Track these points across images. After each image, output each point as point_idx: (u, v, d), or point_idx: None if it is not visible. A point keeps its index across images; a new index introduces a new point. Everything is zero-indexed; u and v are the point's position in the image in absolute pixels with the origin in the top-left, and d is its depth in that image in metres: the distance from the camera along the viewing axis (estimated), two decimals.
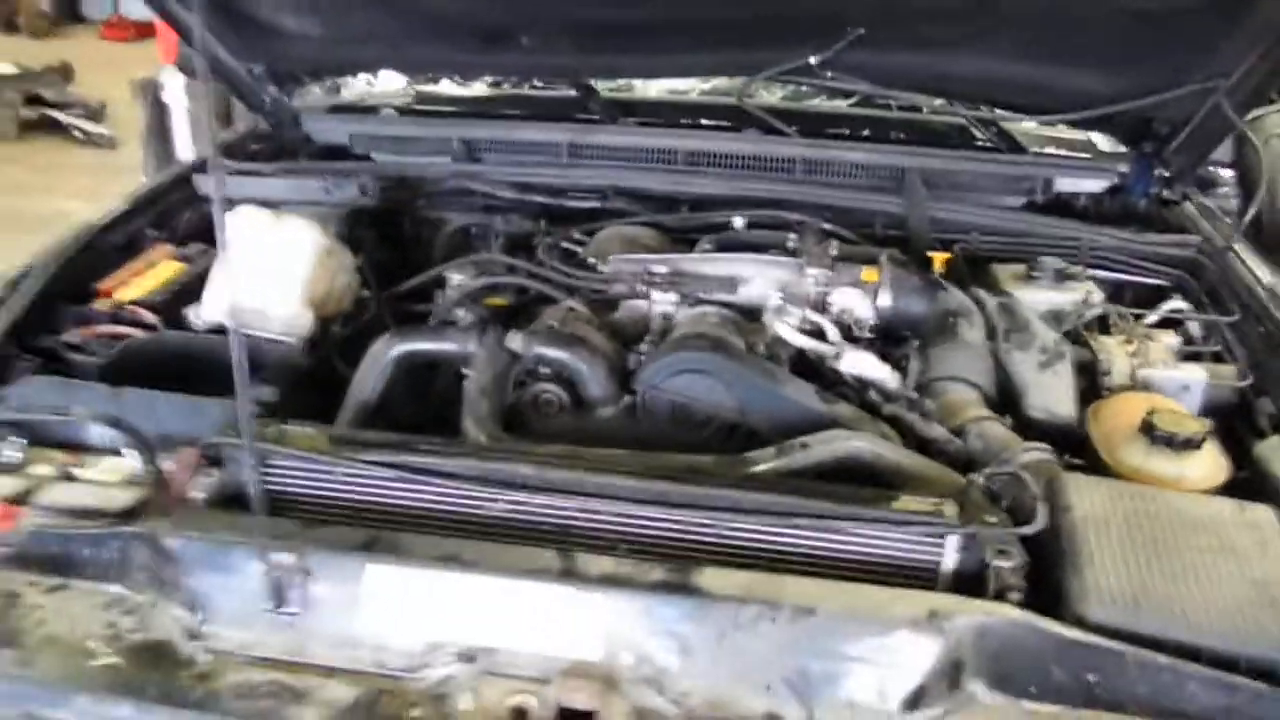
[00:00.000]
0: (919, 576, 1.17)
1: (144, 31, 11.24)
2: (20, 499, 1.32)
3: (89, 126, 7.56)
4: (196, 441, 1.35)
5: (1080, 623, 1.10)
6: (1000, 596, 1.13)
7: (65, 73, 8.41)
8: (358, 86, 2.49)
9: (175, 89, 5.66)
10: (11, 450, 1.42)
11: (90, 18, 12.17)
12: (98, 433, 1.46)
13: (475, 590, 1.14)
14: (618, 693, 1.07)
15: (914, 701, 1.07)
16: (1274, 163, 2.26)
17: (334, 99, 2.43)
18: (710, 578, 1.13)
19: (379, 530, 1.20)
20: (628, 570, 1.14)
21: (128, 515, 1.27)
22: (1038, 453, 1.34)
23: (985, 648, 1.08)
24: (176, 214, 2.05)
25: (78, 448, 1.46)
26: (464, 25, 2.03)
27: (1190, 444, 1.34)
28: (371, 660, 1.13)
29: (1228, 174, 2.35)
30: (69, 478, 1.38)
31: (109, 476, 1.39)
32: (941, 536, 1.17)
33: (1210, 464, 1.36)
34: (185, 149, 5.73)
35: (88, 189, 6.48)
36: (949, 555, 1.17)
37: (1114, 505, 1.23)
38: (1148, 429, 1.36)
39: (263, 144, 2.29)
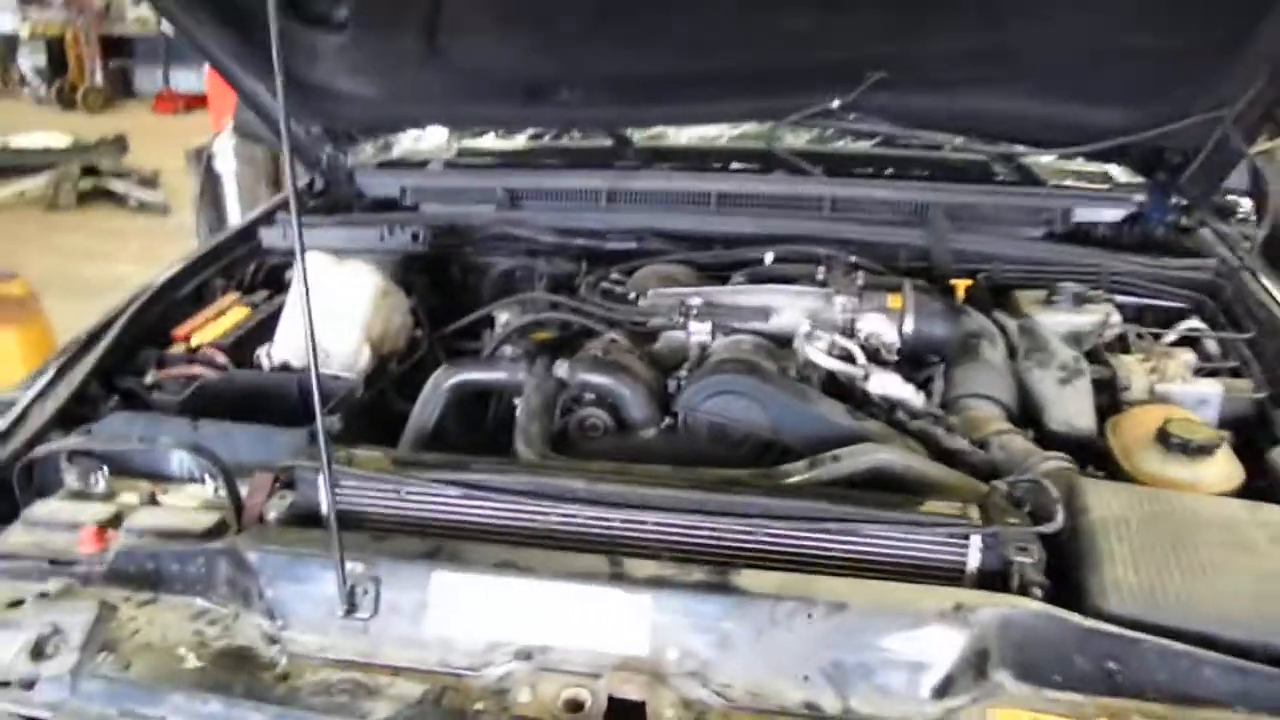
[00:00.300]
0: (946, 575, 1.25)
1: (193, 104, 11.70)
2: (110, 523, 1.43)
3: (143, 194, 7.88)
4: (269, 468, 1.46)
5: (1100, 615, 1.16)
6: (1023, 591, 1.20)
7: (120, 144, 8.75)
8: (406, 143, 2.64)
9: (226, 155, 5.91)
10: (99, 480, 1.55)
11: (142, 92, 12.67)
12: (177, 462, 1.59)
13: (531, 593, 1.23)
14: (665, 685, 1.15)
15: (943, 690, 1.14)
16: None
17: (384, 155, 2.58)
18: (747, 578, 1.21)
19: (442, 541, 1.29)
20: (671, 572, 1.22)
21: (210, 535, 1.38)
22: (1057, 461, 1.42)
23: (1009, 639, 1.15)
24: (241, 266, 2.19)
25: (159, 478, 1.58)
26: (507, 82, 2.17)
27: (1204, 450, 1.41)
28: (437, 660, 1.22)
29: (1246, 201, 2.41)
30: (153, 503, 1.50)
31: (190, 502, 1.51)
32: (966, 537, 1.24)
33: (1224, 469, 1.43)
34: (235, 212, 5.97)
35: (144, 253, 6.75)
36: (973, 554, 1.24)
37: (1130, 507, 1.30)
38: (1163, 437, 1.43)
39: (319, 199, 2.44)
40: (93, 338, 1.84)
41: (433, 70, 2.08)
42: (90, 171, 8.02)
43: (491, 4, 1.90)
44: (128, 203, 7.83)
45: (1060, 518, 1.25)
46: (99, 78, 11.94)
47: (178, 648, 1.25)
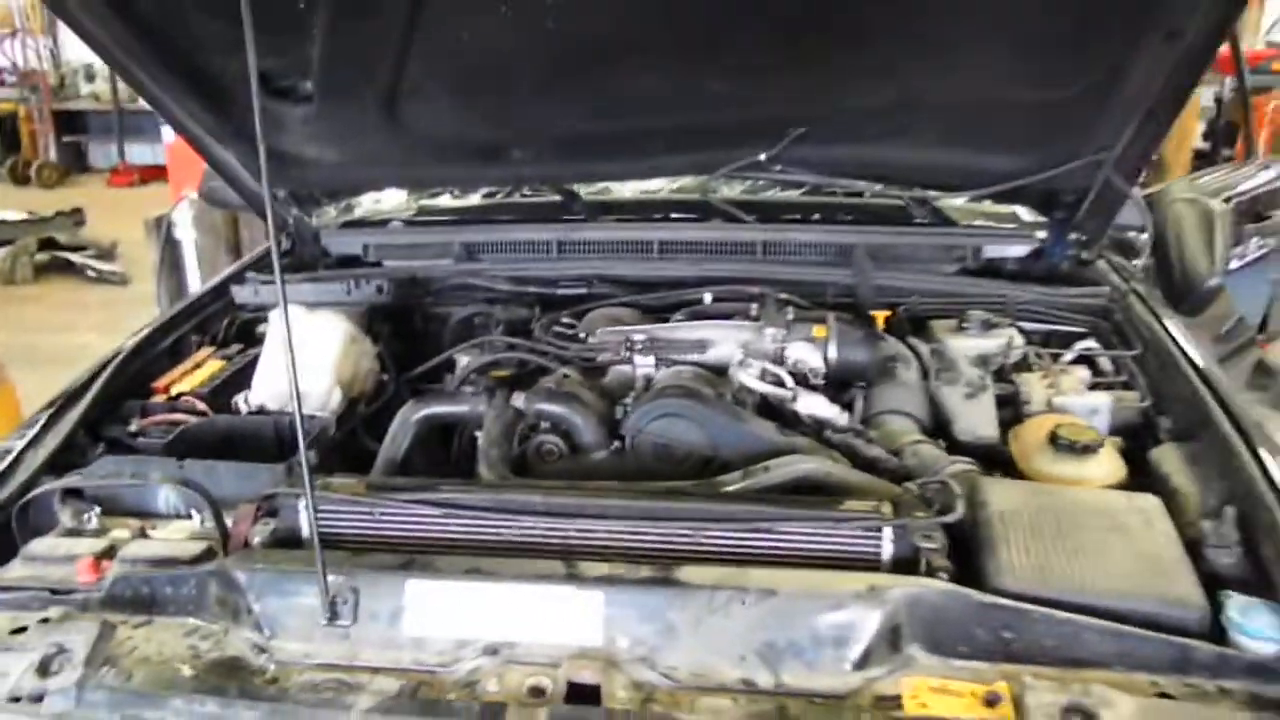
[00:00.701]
0: (864, 564, 1.40)
1: (147, 176, 11.81)
2: (104, 555, 1.55)
3: (101, 265, 7.93)
4: (253, 498, 1.60)
5: (997, 592, 1.32)
6: (930, 574, 1.36)
7: (77, 217, 8.83)
8: (367, 203, 2.80)
9: (186, 224, 6.03)
10: (91, 519, 1.67)
11: (97, 166, 12.75)
12: (164, 500, 1.71)
13: (495, 596, 1.36)
14: (617, 669, 1.28)
15: (862, 662, 1.28)
16: (1177, 223, 2.56)
17: (347, 216, 2.73)
18: (688, 573, 1.35)
19: (414, 554, 1.43)
20: (620, 571, 1.36)
21: (199, 560, 1.50)
22: (962, 465, 1.60)
23: (918, 615, 1.30)
24: (215, 322, 2.33)
25: (147, 515, 1.71)
26: (461, 145, 2.34)
27: (1088, 450, 1.59)
28: (412, 659, 1.34)
29: (1143, 236, 2.65)
30: (144, 536, 1.62)
31: (178, 534, 1.63)
32: (879, 529, 1.40)
33: (1108, 466, 1.61)
34: (195, 279, 6.07)
35: (103, 323, 6.81)
36: (887, 545, 1.40)
37: (1023, 500, 1.48)
38: (1053, 440, 1.62)
39: (287, 258, 2.58)
40: (78, 391, 1.95)
41: (392, 137, 2.24)
42: (47, 245, 8.08)
43: (445, 75, 2.06)
44: (86, 275, 7.89)
45: (960, 509, 1.42)
46: (53, 153, 12.01)
47: (174, 661, 1.35)
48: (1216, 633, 1.30)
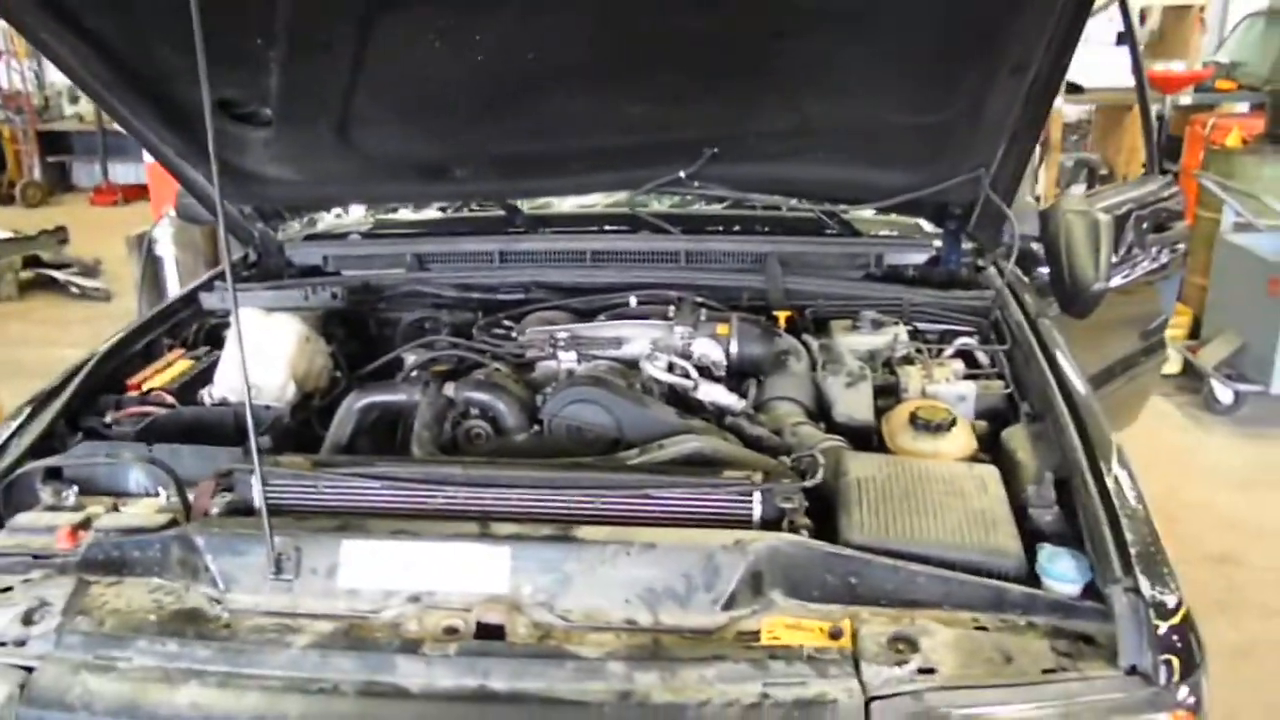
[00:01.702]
0: (738, 524, 1.61)
1: (130, 195, 11.98)
2: (81, 526, 1.76)
3: (84, 282, 8.11)
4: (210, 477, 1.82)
5: (848, 545, 1.56)
6: (793, 530, 1.59)
7: (60, 235, 8.99)
8: (329, 218, 3.03)
9: (166, 241, 6.23)
10: (69, 497, 1.89)
11: (80, 185, 12.92)
12: (134, 481, 1.93)
13: (418, 553, 1.57)
14: (520, 612, 1.50)
15: (729, 604, 1.49)
16: (1068, 232, 2.81)
17: (309, 229, 2.96)
18: (583, 531, 1.56)
19: (349, 518, 1.65)
20: (526, 530, 1.58)
21: (164, 529, 1.72)
22: (833, 441, 1.84)
23: (777, 564, 1.51)
24: (185, 326, 2.54)
25: (119, 494, 1.92)
26: (408, 165, 2.56)
27: (941, 427, 1.83)
28: (346, 607, 1.54)
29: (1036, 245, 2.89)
30: (116, 511, 1.84)
31: (147, 509, 1.85)
32: (750, 494, 1.63)
33: (960, 441, 1.85)
34: (175, 293, 6.26)
35: (86, 338, 6.95)
36: (756, 507, 1.62)
37: (878, 469, 1.71)
38: (912, 419, 1.85)
39: (253, 269, 2.81)
40: (58, 388, 2.16)
41: (344, 158, 2.46)
42: (32, 262, 8.26)
43: (391, 103, 2.29)
44: (70, 291, 8.07)
45: (820, 476, 1.66)
46: (37, 173, 12.18)
47: (140, 611, 1.57)
48: (1033, 579, 1.53)
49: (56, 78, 12.62)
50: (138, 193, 11.88)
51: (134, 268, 6.58)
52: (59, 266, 8.31)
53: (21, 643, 1.52)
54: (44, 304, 7.99)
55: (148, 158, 7.38)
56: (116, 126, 2.36)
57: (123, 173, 12.31)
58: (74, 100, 12.38)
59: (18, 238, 8.68)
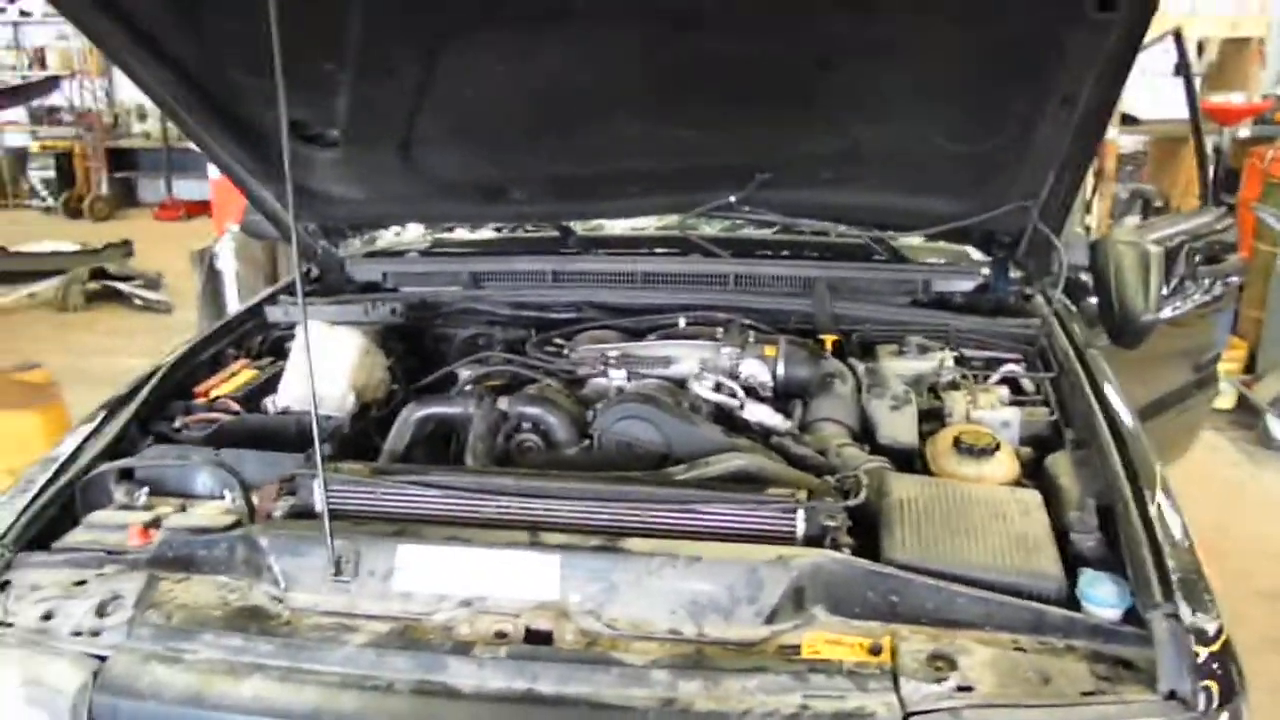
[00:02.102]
0: (781, 540, 1.65)
1: (193, 211, 12.32)
2: (152, 524, 1.85)
3: (148, 294, 8.35)
4: (274, 481, 1.90)
5: (889, 563, 1.59)
6: (835, 548, 1.63)
7: (125, 249, 9.28)
8: (388, 236, 3.13)
9: (228, 256, 6.41)
10: (141, 497, 1.98)
11: (145, 201, 13.31)
12: (202, 484, 2.01)
13: (470, 559, 1.63)
14: (568, 619, 1.54)
15: (771, 618, 1.52)
16: (1118, 263, 2.82)
17: (370, 247, 3.06)
18: (631, 543, 1.61)
19: (406, 524, 1.72)
20: (575, 540, 1.63)
21: (230, 529, 1.81)
22: (876, 462, 1.87)
23: (819, 580, 1.55)
24: (250, 338, 2.64)
25: (187, 496, 2.01)
26: (467, 186, 2.65)
27: (985, 452, 1.85)
28: (401, 609, 1.60)
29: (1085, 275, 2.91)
30: (184, 512, 1.93)
31: (213, 510, 1.93)
32: (793, 511, 1.67)
33: (1003, 466, 1.87)
34: (234, 307, 6.43)
35: (149, 349, 7.18)
36: (799, 524, 1.65)
37: (920, 490, 1.74)
38: (956, 443, 1.88)
39: (315, 284, 2.90)
40: (129, 394, 2.26)
41: (407, 178, 2.55)
42: (98, 274, 8.52)
43: (453, 126, 2.38)
44: (133, 303, 8.32)
45: (863, 495, 1.69)
46: (104, 188, 12.58)
47: (206, 607, 1.65)
48: (1073, 603, 1.55)
49: (126, 96, 13.08)
50: (200, 208, 12.19)
51: (196, 281, 6.75)
52: (124, 279, 8.57)
53: (96, 633, 1.60)
54: (109, 315, 8.23)
55: (212, 174, 7.63)
56: (181, 144, 2.46)
57: (186, 189, 12.67)
58: (142, 118, 12.80)
59: (85, 250, 9.00)
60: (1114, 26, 1.78)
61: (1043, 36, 1.85)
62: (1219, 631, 1.40)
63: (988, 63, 1.99)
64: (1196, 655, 1.36)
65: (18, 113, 12.62)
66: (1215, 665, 1.37)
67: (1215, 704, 1.34)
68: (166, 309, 8.20)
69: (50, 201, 12.52)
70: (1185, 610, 1.41)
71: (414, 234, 3.17)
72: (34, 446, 4.30)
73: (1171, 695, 1.35)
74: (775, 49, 2.01)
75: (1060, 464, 1.89)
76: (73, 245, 9.17)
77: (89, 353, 7.10)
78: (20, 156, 12.92)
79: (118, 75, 13.02)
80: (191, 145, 2.46)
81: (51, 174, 12.51)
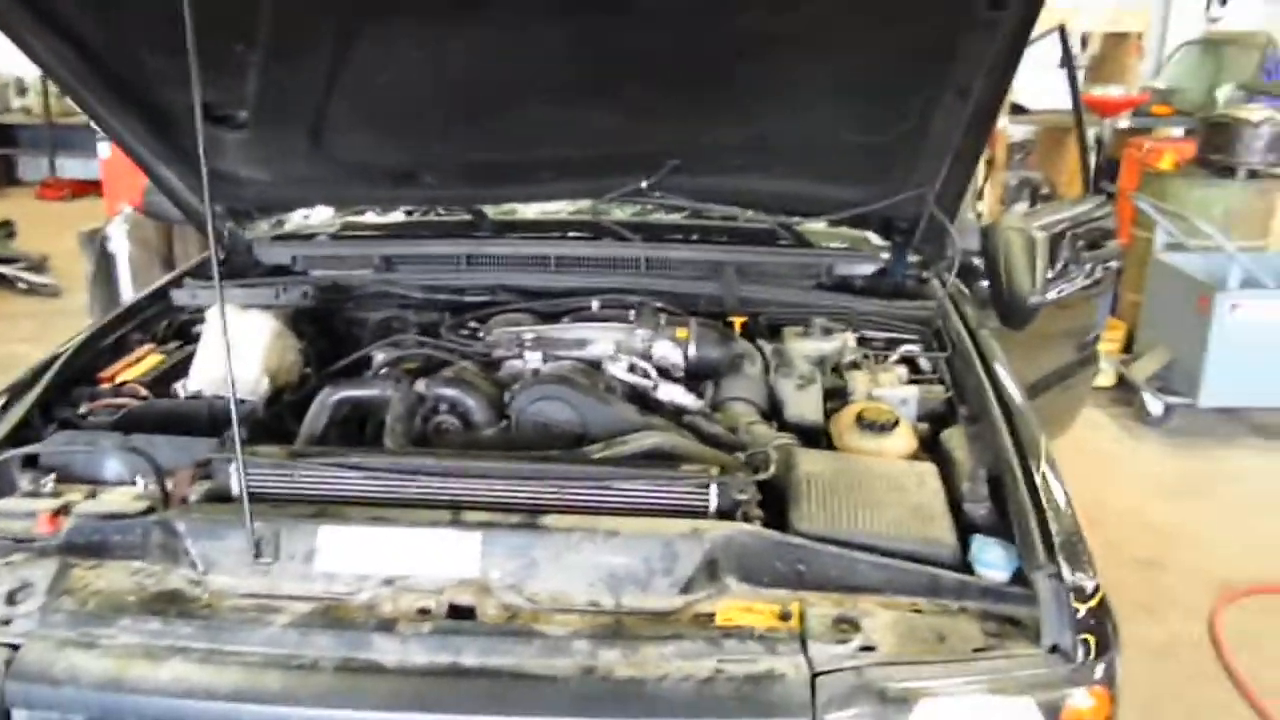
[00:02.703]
0: (695, 514, 1.72)
1: (78, 190, 11.79)
2: (61, 511, 1.82)
3: (33, 278, 7.99)
4: (188, 466, 1.89)
5: (796, 534, 1.67)
6: (746, 520, 1.70)
7: (7, 229, 8.86)
8: (296, 219, 3.09)
9: (120, 238, 6.20)
10: (48, 484, 1.94)
11: (26, 179, 12.70)
12: (111, 470, 1.98)
13: (392, 539, 1.66)
14: (490, 594, 1.59)
15: (686, 588, 1.59)
16: (1006, 248, 2.97)
17: (278, 230, 3.02)
18: (550, 519, 1.66)
19: (326, 505, 1.74)
20: (495, 518, 1.68)
21: (144, 514, 1.79)
22: (784, 439, 1.95)
23: (731, 551, 1.62)
24: (155, 322, 2.60)
25: (96, 482, 1.97)
26: (379, 170, 2.65)
27: (885, 428, 1.96)
28: (323, 589, 1.62)
29: (977, 259, 3.05)
30: (94, 498, 1.90)
31: (124, 496, 1.91)
32: (706, 486, 1.74)
33: (902, 441, 1.98)
34: (128, 291, 6.23)
35: (35, 334, 6.93)
36: (712, 499, 1.73)
37: (825, 465, 1.84)
38: (859, 419, 1.98)
39: (222, 266, 2.85)
40: (30, 380, 2.21)
41: (318, 161, 2.54)
42: None
43: (365, 110, 2.37)
44: (17, 286, 7.96)
45: (771, 470, 1.77)
46: None
47: (122, 592, 1.64)
48: (967, 567, 1.66)
49: (3, 69, 12.42)
50: (86, 188, 11.69)
51: (86, 263, 6.51)
52: (6, 261, 8.18)
53: (6, 621, 1.58)
54: None
55: (102, 153, 7.34)
56: (65, 120, 2.40)
57: (70, 167, 12.11)
58: (21, 93, 12.17)
59: None
60: (1003, 23, 1.89)
61: (939, 33, 1.95)
62: (1095, 589, 1.52)
63: (889, 58, 2.08)
64: (1076, 611, 1.48)
65: None
66: (1093, 620, 1.49)
67: (1093, 655, 1.46)
68: (53, 292, 7.87)
69: None
70: (1066, 571, 1.52)
71: (323, 217, 3.14)
72: None
73: (1054, 649, 1.47)
74: (691, 39, 2.06)
75: (954, 438, 2.00)
76: None
77: None
78: None
79: None
80: (76, 121, 2.41)
81: None
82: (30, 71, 11.75)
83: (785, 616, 1.55)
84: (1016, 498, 1.72)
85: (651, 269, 2.71)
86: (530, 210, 3.12)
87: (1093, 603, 1.51)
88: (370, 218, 3.21)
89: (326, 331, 2.62)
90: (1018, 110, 6.67)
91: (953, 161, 2.31)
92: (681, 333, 2.30)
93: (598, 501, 1.75)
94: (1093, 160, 5.31)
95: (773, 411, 2.16)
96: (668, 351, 2.28)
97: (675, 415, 2.13)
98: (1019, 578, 1.60)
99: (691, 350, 2.28)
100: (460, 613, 1.57)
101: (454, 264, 2.76)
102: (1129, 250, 5.51)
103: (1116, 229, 3.87)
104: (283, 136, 2.46)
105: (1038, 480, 1.75)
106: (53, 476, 1.93)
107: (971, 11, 1.86)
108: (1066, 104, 4.11)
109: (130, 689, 1.49)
